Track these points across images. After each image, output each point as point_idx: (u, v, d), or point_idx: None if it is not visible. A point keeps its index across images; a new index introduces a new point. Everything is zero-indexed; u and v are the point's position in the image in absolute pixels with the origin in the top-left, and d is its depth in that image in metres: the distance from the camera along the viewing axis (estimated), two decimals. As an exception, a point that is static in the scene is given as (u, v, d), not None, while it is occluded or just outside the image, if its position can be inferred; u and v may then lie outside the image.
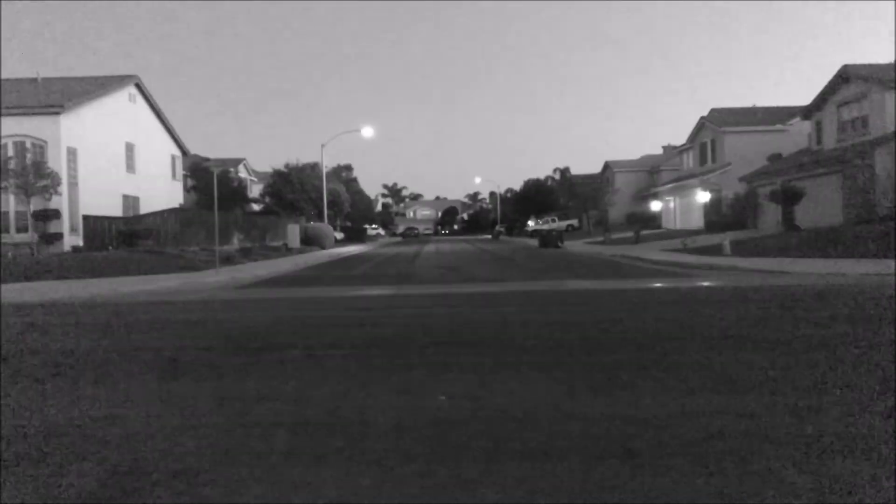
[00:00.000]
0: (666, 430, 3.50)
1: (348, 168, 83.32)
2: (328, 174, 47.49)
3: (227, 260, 23.03)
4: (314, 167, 46.55)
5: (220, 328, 8.06)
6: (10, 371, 5.54)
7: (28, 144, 26.57)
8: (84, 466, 3.15)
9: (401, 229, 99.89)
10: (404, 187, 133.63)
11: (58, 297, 12.73)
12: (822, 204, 25.45)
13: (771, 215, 29.36)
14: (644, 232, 36.98)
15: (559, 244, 35.06)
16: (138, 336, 7.49)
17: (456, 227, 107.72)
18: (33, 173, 23.91)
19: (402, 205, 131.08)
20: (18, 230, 26.67)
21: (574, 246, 34.82)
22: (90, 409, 4.25)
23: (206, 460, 3.21)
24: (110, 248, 25.60)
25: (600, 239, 37.14)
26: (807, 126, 32.13)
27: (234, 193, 43.56)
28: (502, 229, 69.76)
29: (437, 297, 11.62)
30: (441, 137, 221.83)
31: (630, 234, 35.90)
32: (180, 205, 37.02)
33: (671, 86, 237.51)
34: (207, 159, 49.79)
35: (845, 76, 26.85)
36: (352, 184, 73.03)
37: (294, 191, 44.71)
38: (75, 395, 4.62)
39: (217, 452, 3.33)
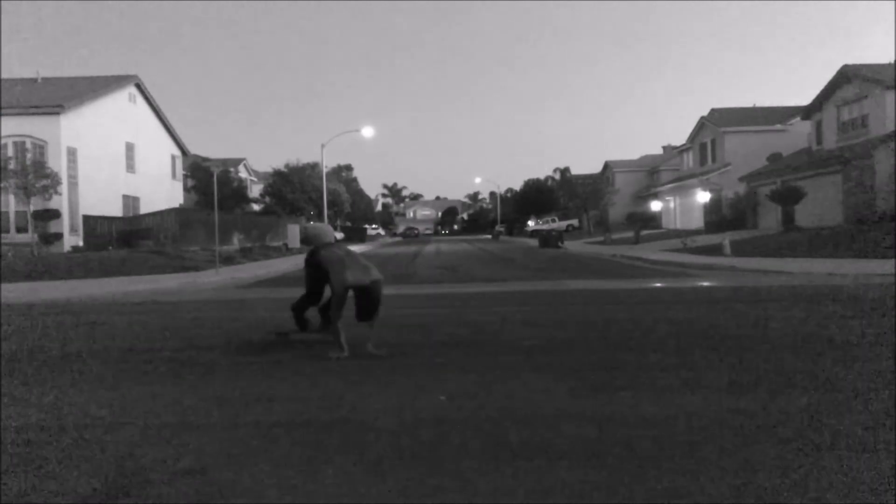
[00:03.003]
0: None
1: (348, 168, 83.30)
2: (328, 174, 47.47)
3: (228, 260, 23.02)
4: (314, 167, 46.51)
5: (220, 328, 8.05)
6: (9, 371, 5.54)
7: (28, 144, 26.58)
8: (84, 467, 3.15)
9: (401, 229, 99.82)
10: (404, 187, 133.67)
11: (57, 297, 12.72)
12: (822, 204, 25.45)
13: (771, 215, 29.36)
14: (644, 232, 36.97)
15: (559, 244, 35.05)
16: (138, 336, 7.48)
17: (456, 227, 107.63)
18: (33, 173, 23.91)
19: (402, 205, 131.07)
20: (18, 230, 26.67)
21: (574, 246, 34.80)
22: (90, 409, 4.25)
23: (206, 460, 3.21)
24: (110, 248, 25.59)
25: (600, 239, 37.13)
26: (807, 126, 32.12)
27: (234, 193, 43.54)
28: (502, 229, 69.71)
29: (437, 297, 11.61)
30: (441, 137, 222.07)
31: (630, 234, 35.89)
32: (180, 205, 37.02)
33: (671, 86, 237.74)
34: (207, 159, 49.74)
35: (845, 76, 26.84)
36: (352, 184, 73.02)
37: (294, 191, 44.69)
38: (75, 395, 4.62)
39: (217, 452, 3.33)
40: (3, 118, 26.45)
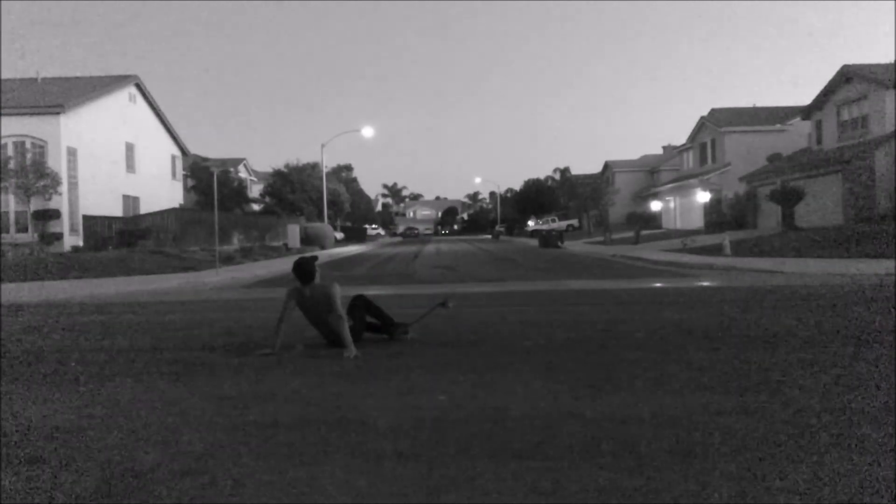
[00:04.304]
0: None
1: (348, 168, 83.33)
2: (328, 174, 47.48)
3: (228, 260, 23.03)
4: (314, 167, 46.55)
5: (220, 328, 8.05)
6: (10, 371, 5.54)
7: (28, 144, 26.58)
8: (84, 467, 3.15)
9: (401, 229, 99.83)
10: (404, 187, 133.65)
11: (58, 297, 12.72)
12: (822, 204, 25.46)
13: (771, 215, 29.37)
14: (644, 232, 36.99)
15: (559, 244, 35.07)
16: (138, 336, 7.48)
17: (456, 227, 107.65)
18: (33, 173, 23.91)
19: (402, 205, 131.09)
20: (18, 230, 26.68)
21: (574, 246, 34.82)
22: (90, 409, 4.25)
23: (206, 460, 3.20)
24: (110, 248, 25.59)
25: (600, 239, 37.15)
26: (807, 126, 32.14)
27: (234, 193, 43.55)
28: (502, 229, 69.78)
29: (438, 297, 11.59)
30: (441, 137, 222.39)
31: (630, 234, 35.91)
32: (180, 205, 37.04)
33: (671, 86, 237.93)
34: (207, 159, 49.77)
35: (845, 76, 26.85)
36: (352, 184, 73.04)
37: (294, 191, 44.73)
38: (75, 396, 4.62)
39: (217, 452, 3.32)
40: (3, 118, 26.45)
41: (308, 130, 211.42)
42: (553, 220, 58.63)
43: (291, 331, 6.74)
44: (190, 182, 42.67)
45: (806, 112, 30.55)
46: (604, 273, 16.68)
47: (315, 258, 6.55)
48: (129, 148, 32.79)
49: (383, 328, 6.71)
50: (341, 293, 6.18)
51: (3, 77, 30.86)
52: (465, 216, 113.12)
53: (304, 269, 6.26)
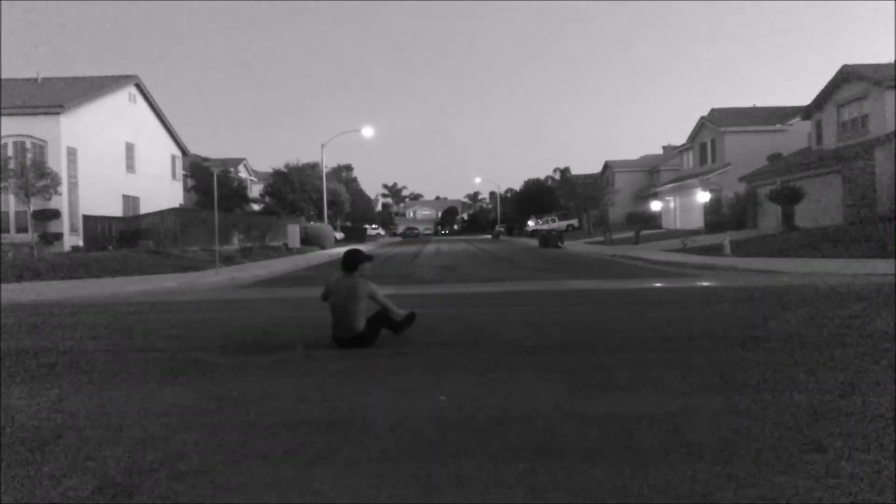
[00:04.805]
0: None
1: (348, 168, 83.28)
2: (328, 174, 47.47)
3: (228, 260, 23.03)
4: (314, 167, 46.53)
5: (220, 328, 8.05)
6: (10, 371, 5.54)
7: (28, 144, 26.57)
8: (85, 467, 3.15)
9: (401, 229, 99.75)
10: (404, 187, 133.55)
11: (58, 297, 12.72)
12: (822, 204, 25.44)
13: (771, 215, 29.35)
14: (644, 232, 36.97)
15: (559, 244, 35.05)
16: (138, 336, 7.48)
17: (456, 227, 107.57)
18: (33, 173, 23.89)
19: (402, 205, 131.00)
20: (18, 230, 26.67)
21: (574, 246, 34.81)
22: (90, 409, 4.25)
23: (206, 460, 3.20)
24: (110, 248, 25.58)
25: (600, 239, 37.13)
26: (807, 126, 32.11)
27: (234, 193, 43.54)
28: (502, 229, 69.73)
29: (437, 297, 11.61)
30: (441, 137, 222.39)
31: (630, 234, 35.89)
32: (180, 205, 37.01)
33: (671, 86, 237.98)
34: (207, 159, 49.74)
35: (845, 76, 26.83)
36: (352, 184, 73.02)
37: (294, 191, 44.70)
38: (74, 396, 4.62)
39: (217, 452, 3.32)
40: (3, 118, 26.44)
41: (308, 130, 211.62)
42: (553, 220, 58.59)
43: (291, 331, 6.75)
44: (190, 182, 42.65)
45: (806, 112, 30.52)
46: (604, 273, 16.67)
47: (359, 251, 6.75)
48: (129, 148, 32.77)
49: (390, 325, 6.77)
50: (379, 290, 6.51)
51: (3, 77, 30.82)
52: (465, 216, 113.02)
53: (349, 259, 6.53)
